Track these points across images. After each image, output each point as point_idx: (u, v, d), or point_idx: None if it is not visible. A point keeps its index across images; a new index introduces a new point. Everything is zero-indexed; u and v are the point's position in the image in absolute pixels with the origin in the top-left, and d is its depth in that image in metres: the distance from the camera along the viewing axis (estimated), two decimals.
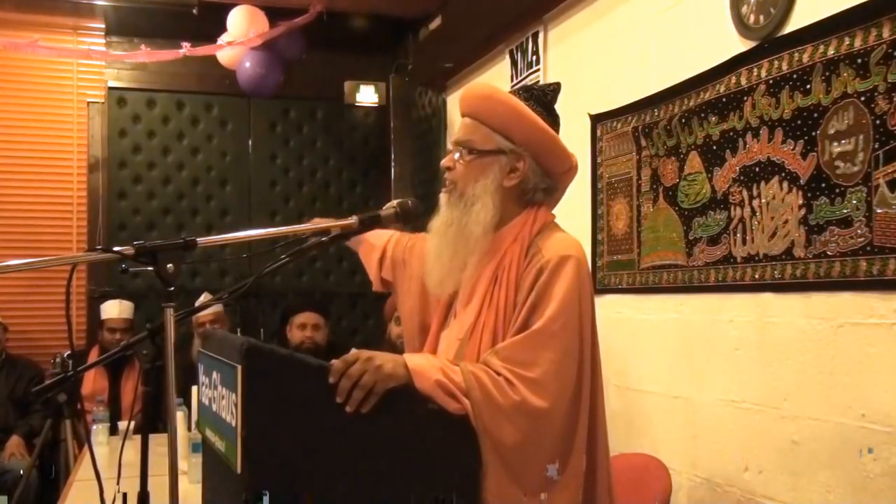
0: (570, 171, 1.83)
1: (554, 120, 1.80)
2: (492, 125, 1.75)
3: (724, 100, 2.55)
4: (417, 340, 1.94)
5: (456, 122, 1.97)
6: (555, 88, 1.84)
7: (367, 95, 5.49)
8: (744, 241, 2.49)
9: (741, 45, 2.52)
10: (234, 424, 1.44)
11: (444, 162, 1.81)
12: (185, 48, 4.77)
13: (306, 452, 1.45)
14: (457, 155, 1.78)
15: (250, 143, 5.49)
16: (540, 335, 1.59)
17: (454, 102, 4.99)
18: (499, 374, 1.56)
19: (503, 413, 1.54)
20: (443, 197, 1.82)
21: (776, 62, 2.35)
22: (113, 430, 3.70)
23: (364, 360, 1.49)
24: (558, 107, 1.82)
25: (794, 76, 2.28)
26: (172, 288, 1.44)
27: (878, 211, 2.03)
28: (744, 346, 2.52)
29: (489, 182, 1.74)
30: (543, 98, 1.80)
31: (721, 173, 2.59)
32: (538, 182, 1.77)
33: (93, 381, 4.43)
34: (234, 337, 1.61)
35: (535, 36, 3.87)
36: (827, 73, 2.17)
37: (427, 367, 1.56)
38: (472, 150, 1.75)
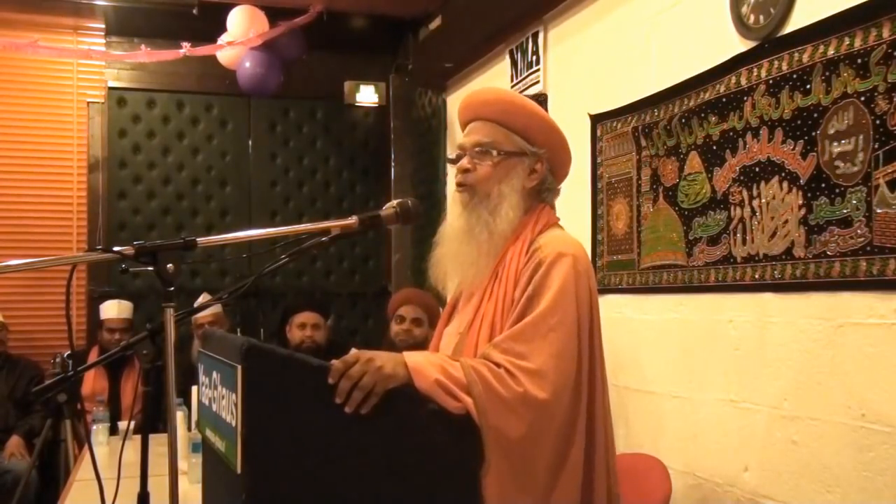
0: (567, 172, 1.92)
1: None
2: (512, 127, 1.80)
3: (724, 100, 2.55)
4: None
5: (456, 122, 1.97)
6: (541, 101, 1.91)
7: (367, 95, 5.49)
8: (744, 241, 2.49)
9: (741, 45, 2.52)
10: (234, 424, 1.44)
11: (463, 163, 1.81)
12: (185, 48, 4.77)
13: (306, 452, 1.45)
14: (476, 157, 1.80)
15: (250, 143, 5.49)
16: (537, 327, 1.60)
17: (454, 102, 4.99)
18: (499, 365, 1.57)
19: (507, 405, 1.54)
20: (460, 198, 1.83)
21: (776, 62, 2.35)
22: (113, 430, 3.70)
23: (364, 362, 1.49)
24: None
25: (794, 76, 2.27)
26: (172, 288, 1.44)
27: (878, 211, 2.02)
28: (744, 346, 2.52)
29: (515, 182, 1.79)
30: None
31: (721, 173, 2.59)
32: (550, 183, 1.84)
33: (93, 382, 4.44)
34: (234, 337, 1.62)
35: (535, 36, 3.87)
36: (827, 73, 2.17)
37: (426, 365, 1.56)
38: (500, 151, 1.79)
